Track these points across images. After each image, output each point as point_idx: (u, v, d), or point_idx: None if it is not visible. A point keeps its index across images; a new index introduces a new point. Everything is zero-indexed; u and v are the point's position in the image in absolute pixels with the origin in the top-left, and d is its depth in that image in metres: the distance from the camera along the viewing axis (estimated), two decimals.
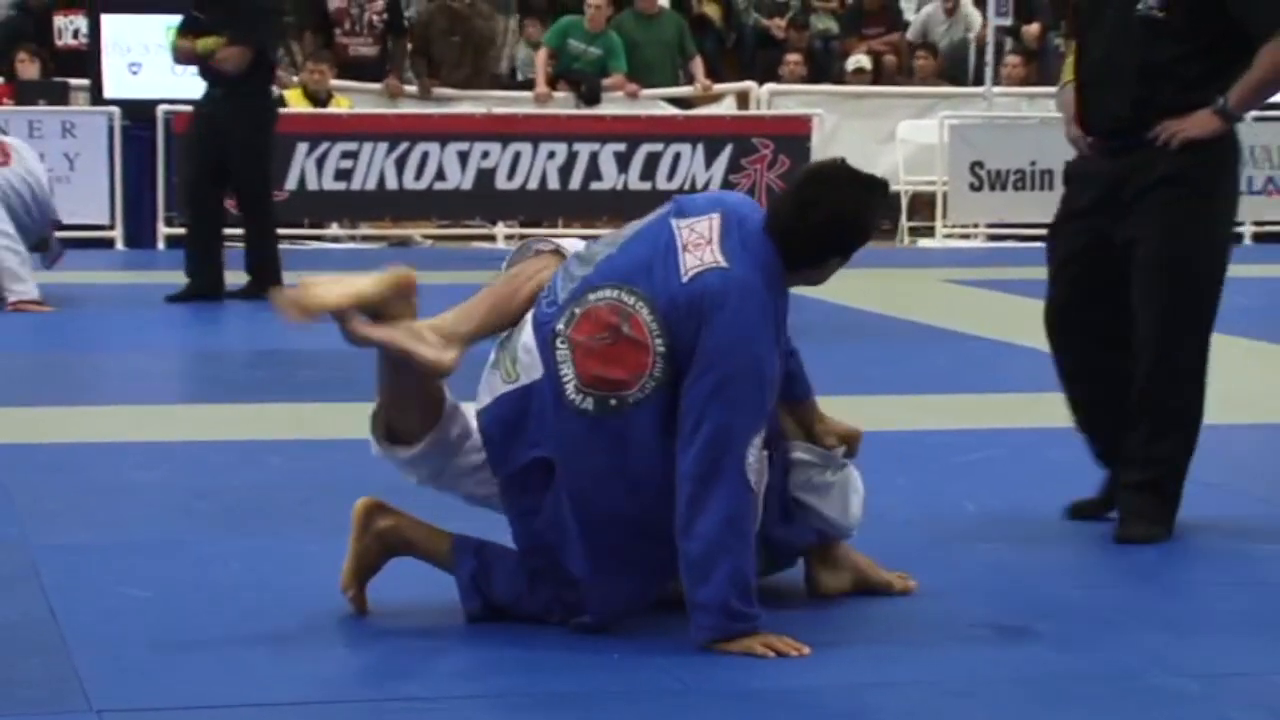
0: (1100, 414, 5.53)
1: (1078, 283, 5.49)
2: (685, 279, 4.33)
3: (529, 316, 4.52)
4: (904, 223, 15.44)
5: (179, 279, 11.24)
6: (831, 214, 4.38)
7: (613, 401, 4.33)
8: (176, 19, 14.81)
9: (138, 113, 14.48)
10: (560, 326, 4.41)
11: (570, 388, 4.36)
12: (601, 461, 4.35)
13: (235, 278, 11.16)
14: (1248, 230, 15.97)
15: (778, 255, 4.38)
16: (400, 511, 4.64)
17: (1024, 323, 7.72)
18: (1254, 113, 15.93)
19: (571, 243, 4.63)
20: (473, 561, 4.54)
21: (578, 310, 4.40)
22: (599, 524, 4.37)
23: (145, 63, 14.78)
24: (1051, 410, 7.33)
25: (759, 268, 4.35)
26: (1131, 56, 5.35)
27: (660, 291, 4.34)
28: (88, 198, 14.31)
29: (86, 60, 14.88)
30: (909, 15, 18.52)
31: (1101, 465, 5.58)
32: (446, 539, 4.61)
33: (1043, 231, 5.82)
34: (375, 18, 15.87)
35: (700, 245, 4.37)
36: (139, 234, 14.54)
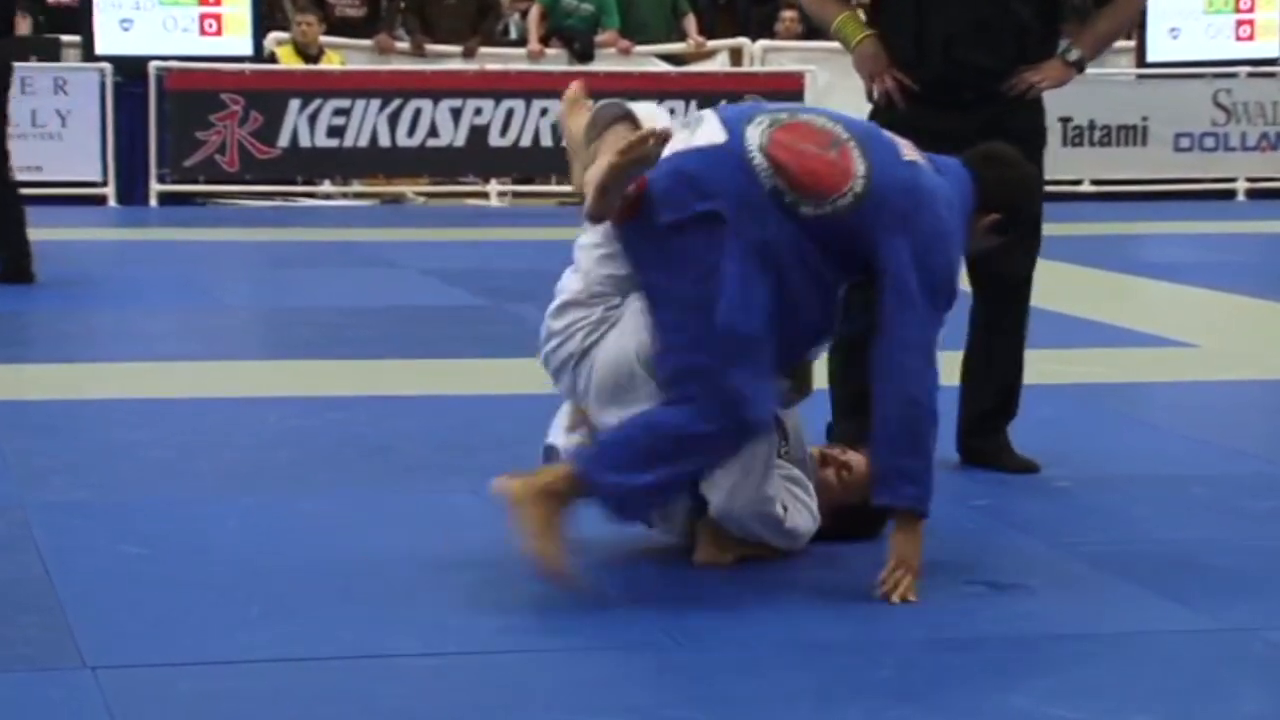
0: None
1: None
2: (904, 158, 4.45)
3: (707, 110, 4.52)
4: None
5: (173, 235, 11.23)
6: (1031, 174, 4.78)
7: (787, 198, 4.35)
8: None
9: (130, 69, 14.44)
10: (761, 118, 4.41)
11: (758, 160, 4.35)
12: (771, 234, 4.34)
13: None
14: (1241, 186, 15.95)
15: (973, 193, 4.54)
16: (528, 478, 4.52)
17: None
18: (1247, 69, 16.02)
19: (646, 109, 4.56)
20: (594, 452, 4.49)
21: (784, 116, 4.44)
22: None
23: (137, 19, 14.74)
24: (1045, 368, 7.34)
25: (960, 195, 4.51)
26: (1005, 16, 5.53)
27: (875, 150, 4.41)
28: (80, 154, 14.30)
29: (78, 16, 14.82)
30: None
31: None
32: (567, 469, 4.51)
33: None
34: None
35: (911, 149, 4.54)
36: (131, 191, 14.51)
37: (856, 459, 4.71)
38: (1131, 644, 4.12)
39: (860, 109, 5.51)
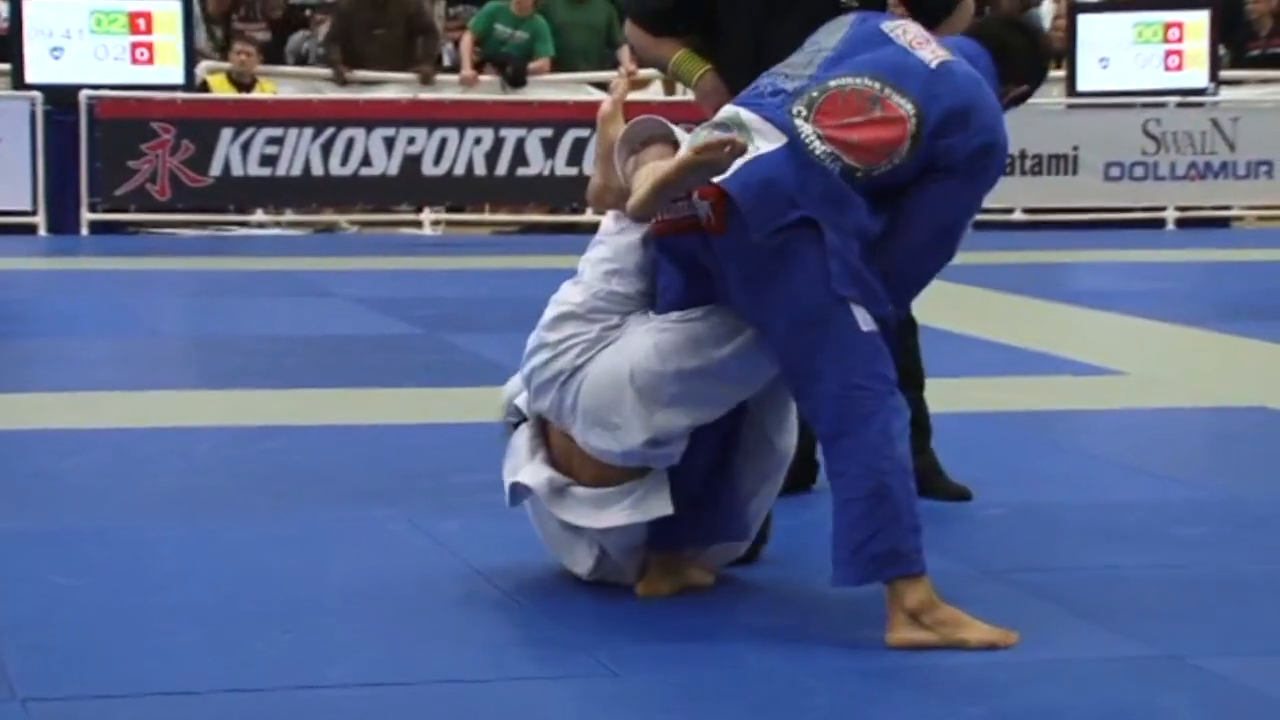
0: None
1: None
2: (933, 66, 4.41)
3: (733, 109, 4.43)
4: None
5: (104, 264, 11.18)
6: (1040, 34, 4.79)
7: (859, 173, 4.31)
8: (101, 3, 14.82)
9: (60, 98, 14.38)
10: (799, 108, 4.35)
11: (819, 150, 4.30)
12: (854, 216, 4.30)
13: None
14: (1171, 215, 16.08)
15: (996, 73, 4.54)
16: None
17: (940, 307, 7.76)
18: (1176, 99, 16.16)
19: (680, 134, 4.51)
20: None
21: (816, 94, 4.37)
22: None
23: (68, 48, 14.68)
24: (976, 395, 7.39)
25: (985, 73, 4.51)
26: None
27: (908, 81, 4.37)
28: (10, 183, 14.24)
29: (8, 44, 14.75)
30: None
31: None
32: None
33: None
34: (270, 2, 15.97)
35: (924, 44, 4.49)
36: (62, 220, 14.45)
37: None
38: (1063, 670, 4.14)
39: None
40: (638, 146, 4.45)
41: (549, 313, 4.52)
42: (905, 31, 4.52)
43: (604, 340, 4.44)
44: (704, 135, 4.37)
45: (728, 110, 4.46)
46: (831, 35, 4.56)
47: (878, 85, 4.38)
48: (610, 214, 4.62)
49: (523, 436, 4.62)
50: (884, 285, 4.34)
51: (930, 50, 4.47)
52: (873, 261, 4.33)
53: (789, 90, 4.41)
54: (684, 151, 4.28)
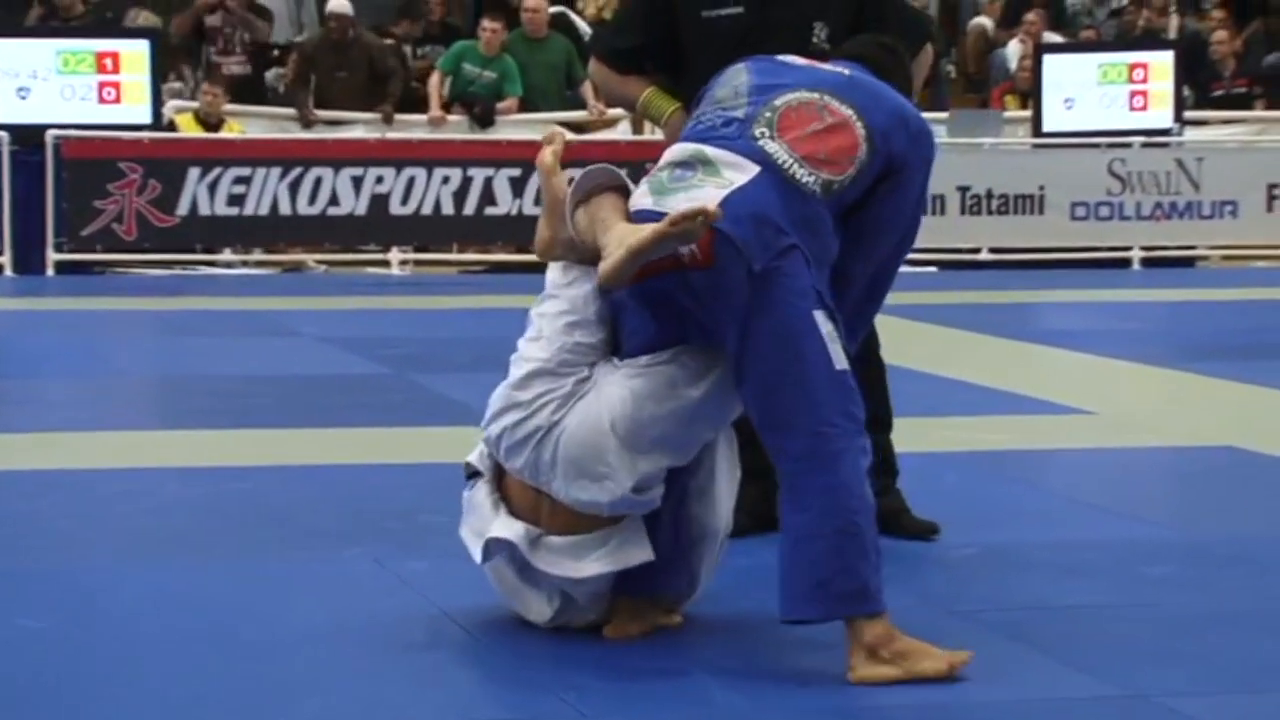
0: None
1: None
2: (847, 75, 4.56)
3: (692, 146, 4.44)
4: None
5: (70, 305, 11.15)
6: (904, 52, 4.97)
7: (835, 185, 4.36)
8: (68, 43, 14.81)
9: (27, 138, 14.35)
10: (760, 130, 4.39)
11: (799, 172, 4.34)
12: (823, 246, 4.36)
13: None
14: (1136, 255, 16.14)
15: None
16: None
17: (907, 347, 7.78)
18: (1141, 139, 16.24)
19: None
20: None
21: (769, 114, 4.42)
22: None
23: (35, 88, 14.65)
24: (944, 434, 7.40)
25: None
26: None
27: (838, 88, 4.49)
28: None
29: None
30: None
31: None
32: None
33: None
34: (247, 36, 15.97)
35: (824, 63, 4.69)
36: (28, 260, 14.40)
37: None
38: (1034, 711, 4.14)
39: None
40: (588, 196, 4.44)
41: (515, 371, 4.48)
42: (798, 58, 4.68)
43: (577, 394, 4.42)
44: (665, 175, 4.36)
45: (688, 147, 4.45)
46: (738, 74, 4.60)
47: (817, 95, 4.46)
48: (557, 266, 4.59)
49: (481, 493, 4.58)
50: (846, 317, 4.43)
51: (832, 66, 4.64)
52: (837, 292, 4.40)
53: (740, 118, 4.44)
54: (659, 224, 4.23)
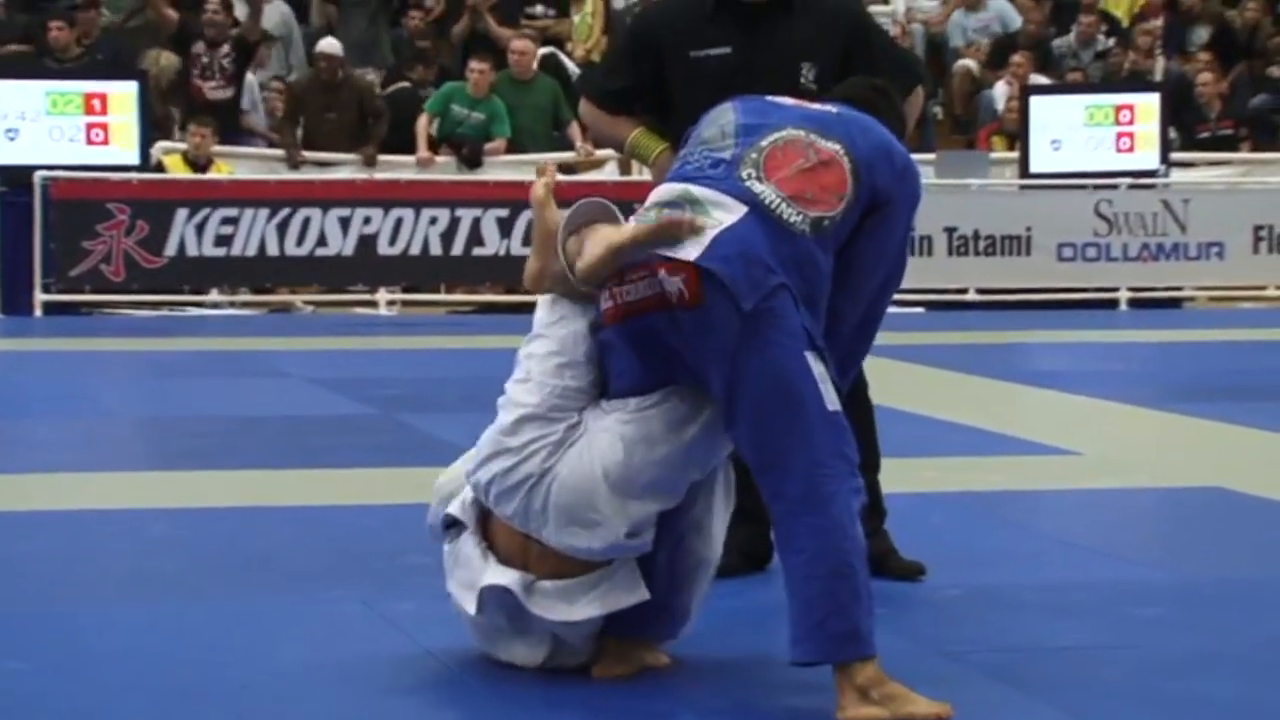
0: None
1: None
2: (835, 112, 4.58)
3: (679, 186, 4.43)
4: None
5: (58, 345, 11.14)
6: (895, 95, 5.01)
7: (825, 222, 4.37)
8: (57, 84, 14.83)
9: (15, 179, 14.37)
10: (748, 171, 4.39)
11: (787, 211, 4.33)
12: (814, 285, 4.36)
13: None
14: (1123, 296, 16.16)
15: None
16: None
17: (895, 387, 7.79)
18: (1128, 180, 16.28)
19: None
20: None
21: (755, 155, 4.42)
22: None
23: (23, 129, 14.67)
24: (931, 475, 7.40)
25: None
26: None
27: (825, 125, 4.49)
28: None
29: None
30: None
31: None
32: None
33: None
34: (226, 61, 16.04)
35: (811, 101, 4.70)
36: (16, 301, 14.41)
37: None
38: None
39: None
40: (579, 228, 4.45)
41: (505, 416, 4.45)
42: (786, 98, 4.68)
43: (568, 440, 4.39)
44: (654, 215, 4.38)
45: (675, 188, 4.44)
46: (724, 114, 4.61)
47: (803, 133, 4.46)
48: (544, 304, 4.58)
49: (469, 545, 4.55)
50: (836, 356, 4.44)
51: (819, 105, 4.66)
52: (827, 329, 4.41)
53: (728, 159, 4.44)
54: (643, 225, 4.28)
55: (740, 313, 4.24)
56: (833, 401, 4.29)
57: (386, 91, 16.70)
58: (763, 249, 4.29)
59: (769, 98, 4.68)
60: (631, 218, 4.50)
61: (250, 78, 16.43)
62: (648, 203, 4.50)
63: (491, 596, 4.48)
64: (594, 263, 4.28)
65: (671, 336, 4.34)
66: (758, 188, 4.36)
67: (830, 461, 4.27)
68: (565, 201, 4.63)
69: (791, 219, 4.34)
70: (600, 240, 4.30)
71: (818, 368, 4.29)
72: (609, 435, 4.36)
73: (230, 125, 16.09)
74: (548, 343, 4.48)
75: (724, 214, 4.33)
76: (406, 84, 16.85)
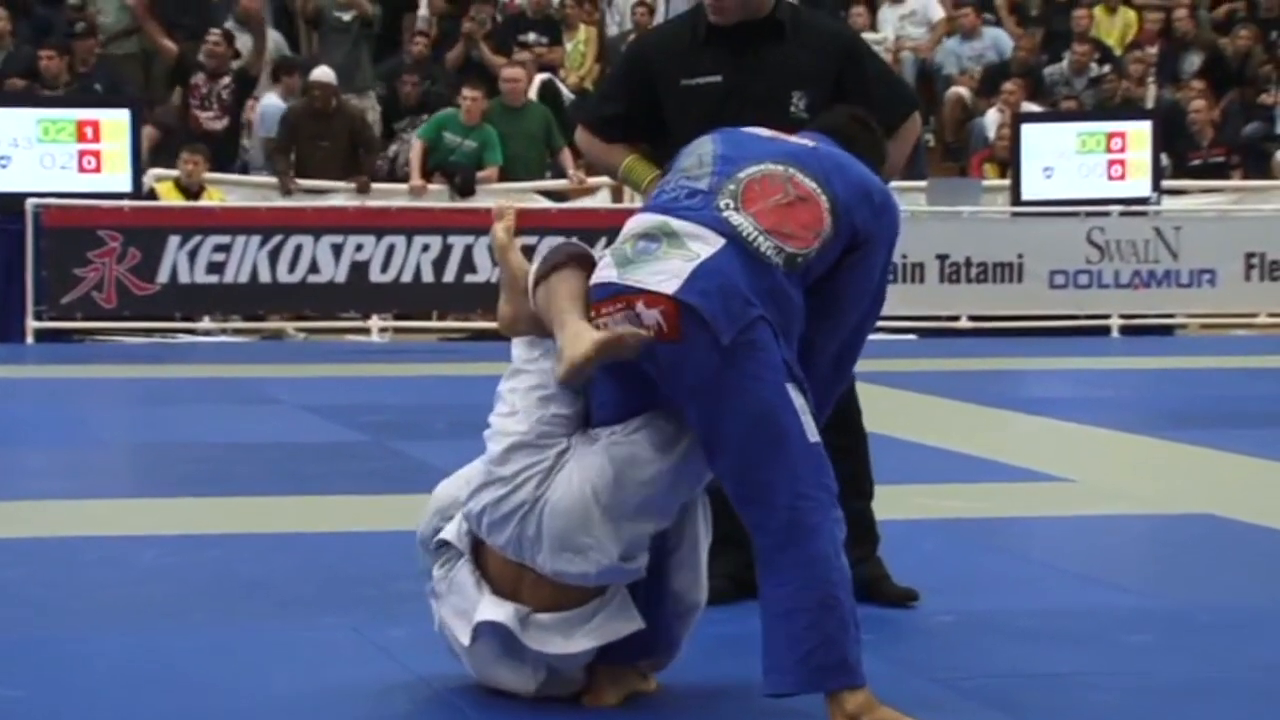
0: None
1: None
2: (811, 146, 4.58)
3: (657, 218, 4.43)
4: None
5: (50, 373, 11.14)
6: (877, 126, 4.99)
7: (799, 259, 4.36)
8: (49, 112, 14.84)
9: (7, 206, 14.36)
10: (725, 201, 4.38)
11: (763, 243, 4.33)
12: (790, 319, 4.37)
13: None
14: (1115, 323, 16.18)
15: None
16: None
17: (887, 414, 7.79)
18: (1120, 208, 16.31)
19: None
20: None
21: (733, 187, 4.41)
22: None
23: (15, 156, 14.68)
24: (923, 501, 7.40)
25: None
26: None
27: (804, 161, 4.48)
28: None
29: None
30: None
31: None
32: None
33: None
34: (224, 92, 16.11)
35: (790, 135, 4.68)
36: (7, 328, 14.40)
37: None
38: None
39: None
40: (547, 274, 4.45)
41: (494, 446, 4.45)
42: (765, 130, 4.67)
43: (558, 466, 4.40)
44: (629, 248, 4.38)
45: (653, 219, 4.44)
46: (703, 144, 4.62)
47: (781, 167, 4.46)
48: (522, 341, 4.59)
49: (464, 572, 4.54)
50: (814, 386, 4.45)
51: (797, 139, 4.65)
52: (804, 365, 4.41)
53: (705, 189, 4.44)
54: (600, 336, 4.27)
55: (719, 346, 4.24)
56: (813, 433, 4.30)
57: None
58: (741, 281, 4.29)
59: (749, 130, 4.68)
60: (608, 249, 4.51)
61: (274, 99, 16.51)
62: (624, 233, 4.50)
63: (486, 629, 4.47)
64: (568, 374, 4.32)
65: (650, 368, 4.34)
66: (735, 219, 4.36)
67: (813, 493, 4.27)
68: (557, 230, 4.64)
69: (767, 251, 4.34)
70: (563, 352, 4.31)
71: (798, 400, 4.29)
72: (598, 458, 4.37)
73: (226, 155, 16.10)
74: (530, 377, 4.48)
75: (701, 246, 4.33)
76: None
